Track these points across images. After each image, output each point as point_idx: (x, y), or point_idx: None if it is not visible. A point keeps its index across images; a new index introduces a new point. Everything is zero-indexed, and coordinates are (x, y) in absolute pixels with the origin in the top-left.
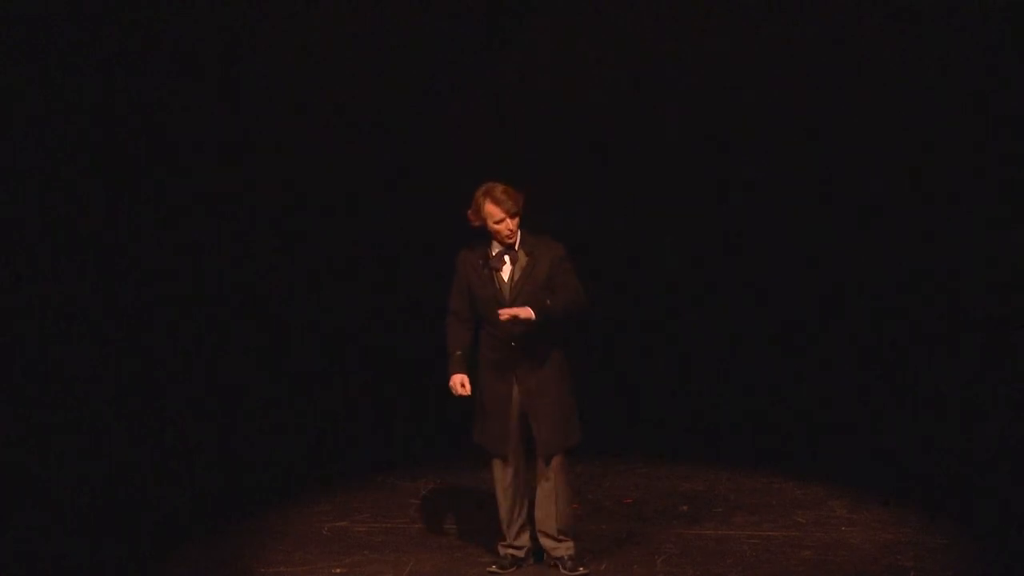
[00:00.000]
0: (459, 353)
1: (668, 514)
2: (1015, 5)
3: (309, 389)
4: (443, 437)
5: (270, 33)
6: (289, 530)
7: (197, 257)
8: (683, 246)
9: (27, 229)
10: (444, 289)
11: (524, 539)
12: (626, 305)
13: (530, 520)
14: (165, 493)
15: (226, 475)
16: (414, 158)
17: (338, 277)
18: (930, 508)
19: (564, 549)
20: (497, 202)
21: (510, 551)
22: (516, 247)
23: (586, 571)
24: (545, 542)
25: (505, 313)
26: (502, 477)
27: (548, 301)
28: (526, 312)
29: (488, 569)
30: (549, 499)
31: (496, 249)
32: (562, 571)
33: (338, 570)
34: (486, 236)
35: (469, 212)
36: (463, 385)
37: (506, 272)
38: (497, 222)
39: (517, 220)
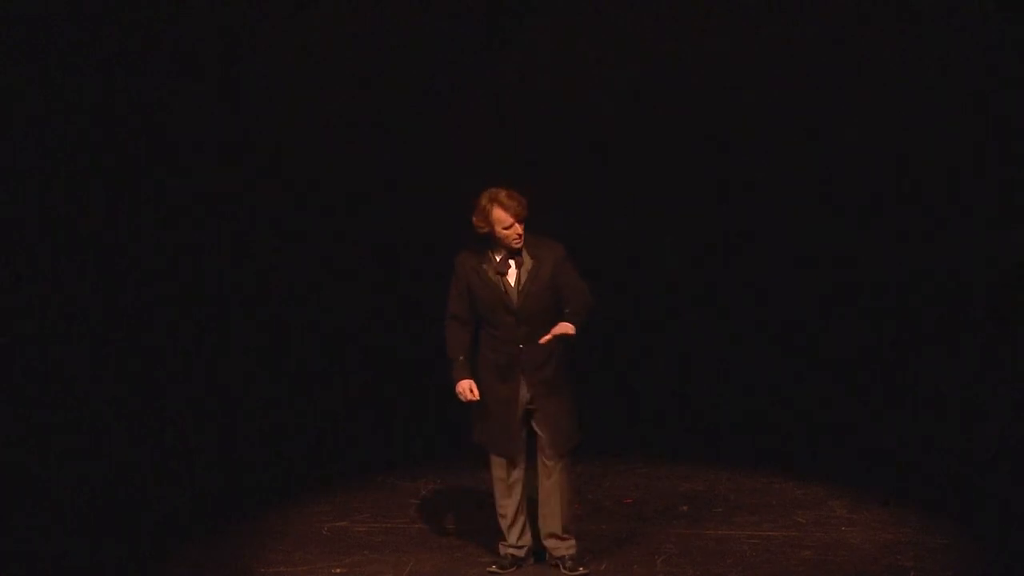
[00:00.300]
0: (463, 358)
1: (668, 514)
2: (1015, 5)
3: (309, 389)
4: (443, 437)
5: (270, 33)
6: (289, 530)
7: (197, 257)
8: (683, 246)
9: (27, 229)
10: (444, 289)
11: (525, 539)
12: (626, 305)
13: (531, 520)
14: (165, 493)
15: (226, 475)
16: (414, 158)
17: (338, 277)
18: (930, 508)
19: (567, 548)
20: (505, 207)
21: (510, 551)
22: (521, 250)
23: (586, 571)
24: (548, 541)
25: (545, 339)
26: (504, 477)
27: (567, 309)
28: (567, 328)
29: (488, 569)
30: (553, 498)
31: (500, 253)
32: (562, 571)
33: (338, 570)
34: (487, 239)
35: (474, 219)
36: (471, 391)
37: (512, 275)
38: (506, 228)
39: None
